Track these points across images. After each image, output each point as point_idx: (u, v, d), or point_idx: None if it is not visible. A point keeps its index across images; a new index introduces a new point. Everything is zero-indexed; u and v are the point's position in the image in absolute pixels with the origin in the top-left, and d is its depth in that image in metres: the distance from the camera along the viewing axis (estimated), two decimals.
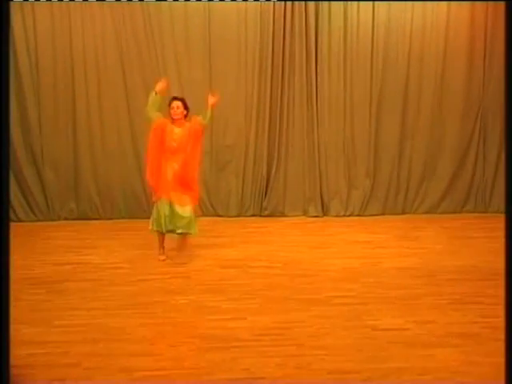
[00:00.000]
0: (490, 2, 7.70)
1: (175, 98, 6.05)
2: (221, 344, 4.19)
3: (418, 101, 8.01)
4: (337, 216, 8.09)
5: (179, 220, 6.01)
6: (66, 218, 7.85)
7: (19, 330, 4.35)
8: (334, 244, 6.81)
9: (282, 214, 8.08)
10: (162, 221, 5.99)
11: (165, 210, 5.97)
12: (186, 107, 6.03)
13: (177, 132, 5.98)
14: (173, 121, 6.01)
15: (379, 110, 7.99)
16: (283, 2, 7.56)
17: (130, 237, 7.06)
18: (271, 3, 7.57)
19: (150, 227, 6.12)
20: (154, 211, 6.07)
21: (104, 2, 7.40)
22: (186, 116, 6.06)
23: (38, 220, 7.77)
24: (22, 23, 7.35)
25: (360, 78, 7.90)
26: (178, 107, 5.97)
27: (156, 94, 5.97)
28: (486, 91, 8.01)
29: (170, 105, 6.01)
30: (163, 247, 6.23)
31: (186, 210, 6.02)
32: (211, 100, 6.20)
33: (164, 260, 6.18)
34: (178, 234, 6.14)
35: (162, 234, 6.16)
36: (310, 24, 7.63)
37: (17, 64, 7.41)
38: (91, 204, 7.87)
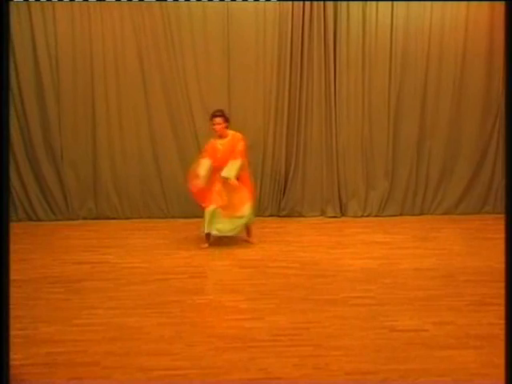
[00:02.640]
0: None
1: (214, 116, 6.36)
2: (238, 344, 4.19)
3: (437, 102, 7.95)
4: (355, 216, 8.08)
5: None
6: (84, 218, 7.92)
7: (38, 328, 4.41)
8: (351, 244, 6.79)
9: (300, 215, 8.08)
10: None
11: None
12: (225, 120, 6.40)
13: (220, 144, 6.41)
14: (217, 135, 6.43)
15: (397, 110, 7.95)
16: (302, 2, 7.54)
17: (148, 236, 7.10)
18: (290, 3, 7.55)
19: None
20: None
21: (123, 3, 7.44)
22: (227, 127, 6.44)
23: (58, 219, 7.84)
24: (42, 25, 7.40)
25: (378, 78, 7.86)
26: (219, 123, 6.34)
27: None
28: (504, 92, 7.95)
29: (211, 120, 6.39)
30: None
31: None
32: (233, 184, 6.41)
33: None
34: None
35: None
36: (328, 24, 7.60)
37: (37, 65, 7.49)
38: (110, 204, 7.93)
